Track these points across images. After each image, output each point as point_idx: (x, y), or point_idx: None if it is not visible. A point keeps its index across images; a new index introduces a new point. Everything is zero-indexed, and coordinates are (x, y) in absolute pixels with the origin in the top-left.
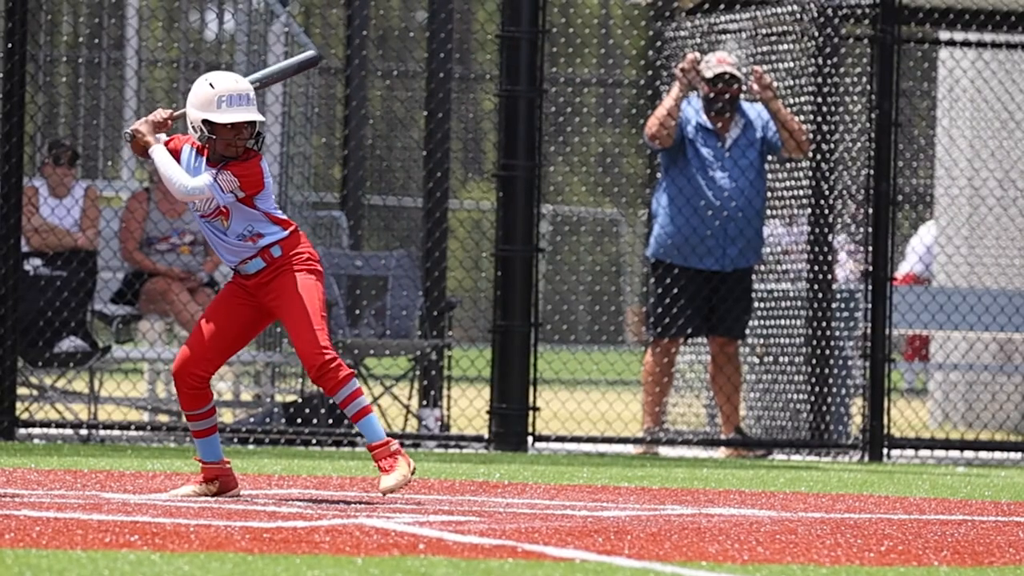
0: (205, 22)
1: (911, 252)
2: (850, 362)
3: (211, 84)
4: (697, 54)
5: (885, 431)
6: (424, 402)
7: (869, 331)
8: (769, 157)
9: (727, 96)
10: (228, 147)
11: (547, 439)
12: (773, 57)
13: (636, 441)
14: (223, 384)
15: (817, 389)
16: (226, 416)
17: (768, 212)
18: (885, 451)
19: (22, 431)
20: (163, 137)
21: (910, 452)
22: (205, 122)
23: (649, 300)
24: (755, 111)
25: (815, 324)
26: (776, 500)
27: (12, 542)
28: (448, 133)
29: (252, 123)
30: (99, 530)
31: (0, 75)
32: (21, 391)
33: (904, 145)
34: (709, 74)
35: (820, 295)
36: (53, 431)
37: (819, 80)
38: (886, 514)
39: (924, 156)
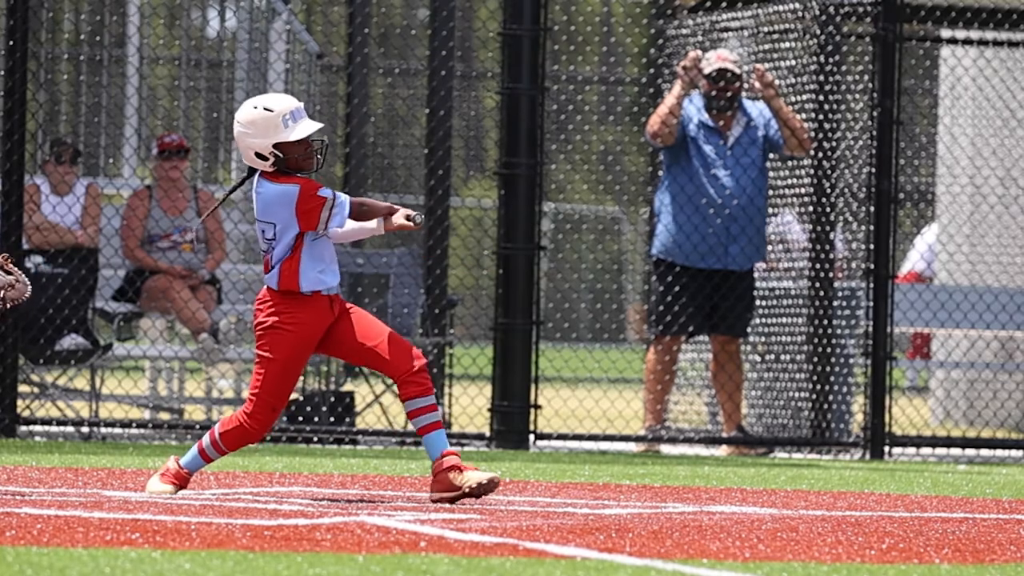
0: (207, 19)
1: (914, 250)
2: (851, 360)
3: (266, 108)
4: (699, 52)
5: (886, 429)
6: None
7: (871, 329)
8: (771, 155)
9: (728, 93)
10: (306, 160)
11: (548, 437)
12: (775, 55)
13: (637, 439)
14: (224, 382)
15: (818, 387)
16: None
17: (780, 202)
18: (886, 449)
19: (23, 428)
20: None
21: (911, 450)
22: (276, 146)
23: (651, 298)
24: (757, 109)
25: (817, 322)
26: (777, 498)
27: (13, 540)
28: (450, 131)
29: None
30: (100, 528)
31: (1, 72)
32: (22, 388)
33: (906, 143)
34: (709, 71)
35: (822, 293)
36: (54, 428)
37: (821, 78)
38: (887, 512)
39: (926, 154)
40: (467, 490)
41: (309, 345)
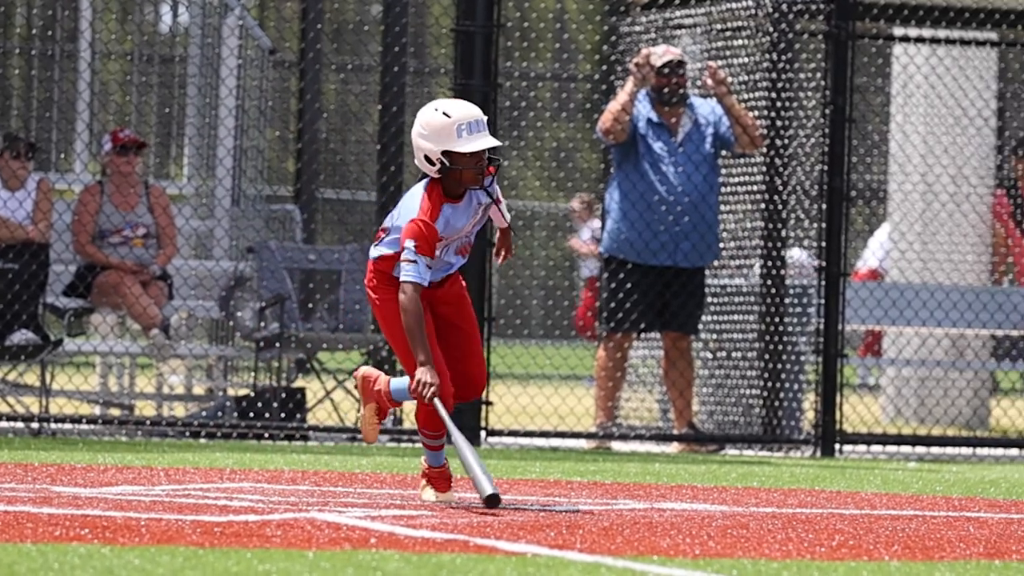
0: (159, 15)
1: (872, 248)
2: (803, 357)
3: (446, 113)
4: (651, 49)
5: (837, 426)
6: None
7: (822, 326)
8: (723, 152)
9: (678, 87)
10: (472, 177)
11: (500, 433)
12: (727, 52)
13: (589, 436)
14: (175, 378)
15: (769, 384)
16: (178, 410)
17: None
18: (837, 446)
19: None
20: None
21: (862, 447)
22: (445, 154)
23: (602, 295)
24: (708, 106)
25: (768, 319)
26: (728, 495)
27: None
28: (402, 127)
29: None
30: (49, 524)
31: None
32: None
33: (858, 141)
34: (657, 63)
35: (773, 290)
36: (4, 424)
37: (773, 75)
38: (837, 509)
39: (878, 152)
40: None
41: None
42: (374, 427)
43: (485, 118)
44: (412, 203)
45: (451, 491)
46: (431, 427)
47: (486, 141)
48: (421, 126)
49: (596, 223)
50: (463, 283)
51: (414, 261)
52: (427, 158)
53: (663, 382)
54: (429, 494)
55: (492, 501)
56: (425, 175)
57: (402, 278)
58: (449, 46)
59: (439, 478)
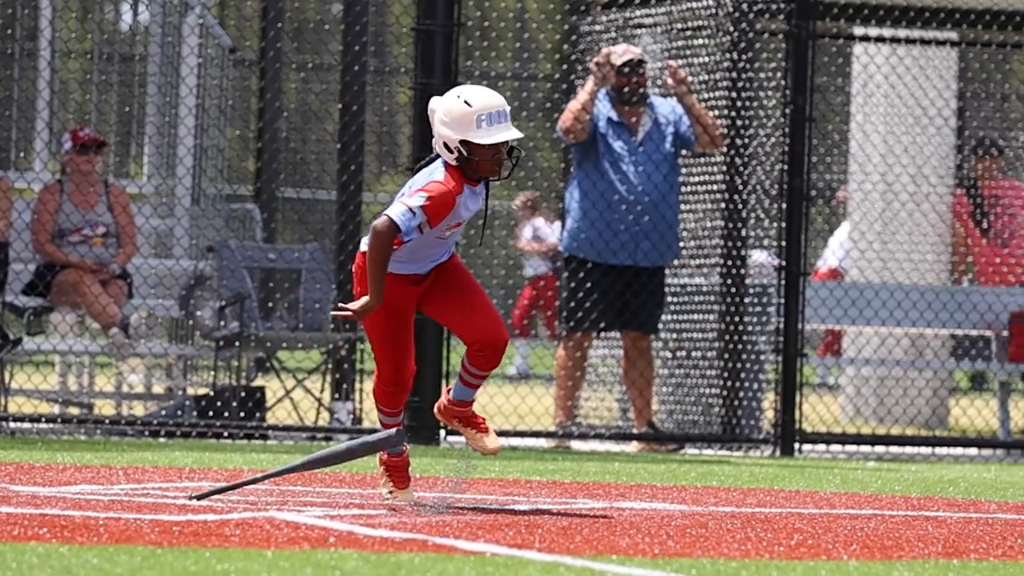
0: (119, 13)
1: (832, 247)
2: (762, 357)
3: (467, 102)
4: (612, 48)
5: (797, 426)
6: (336, 395)
7: (782, 326)
8: (683, 152)
9: (637, 84)
10: (490, 168)
11: (459, 433)
12: (688, 52)
13: (548, 435)
14: (134, 377)
15: (729, 384)
16: (137, 409)
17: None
18: (796, 446)
19: None
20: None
21: (821, 447)
22: (463, 143)
23: (562, 295)
24: (669, 106)
25: (728, 319)
26: (687, 494)
27: None
28: (363, 126)
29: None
30: (7, 523)
31: None
32: None
33: (818, 140)
34: (618, 62)
35: (733, 290)
36: None
37: (734, 75)
38: (796, 508)
39: (838, 152)
40: (467, 443)
41: (394, 316)
42: (482, 440)
43: (508, 109)
44: (433, 176)
45: (410, 489)
46: (389, 404)
47: (506, 133)
48: (443, 113)
49: (539, 221)
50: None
51: (412, 212)
52: (446, 145)
53: (623, 381)
54: (389, 489)
55: (400, 436)
56: (437, 156)
57: (388, 211)
58: (410, 45)
59: (397, 469)
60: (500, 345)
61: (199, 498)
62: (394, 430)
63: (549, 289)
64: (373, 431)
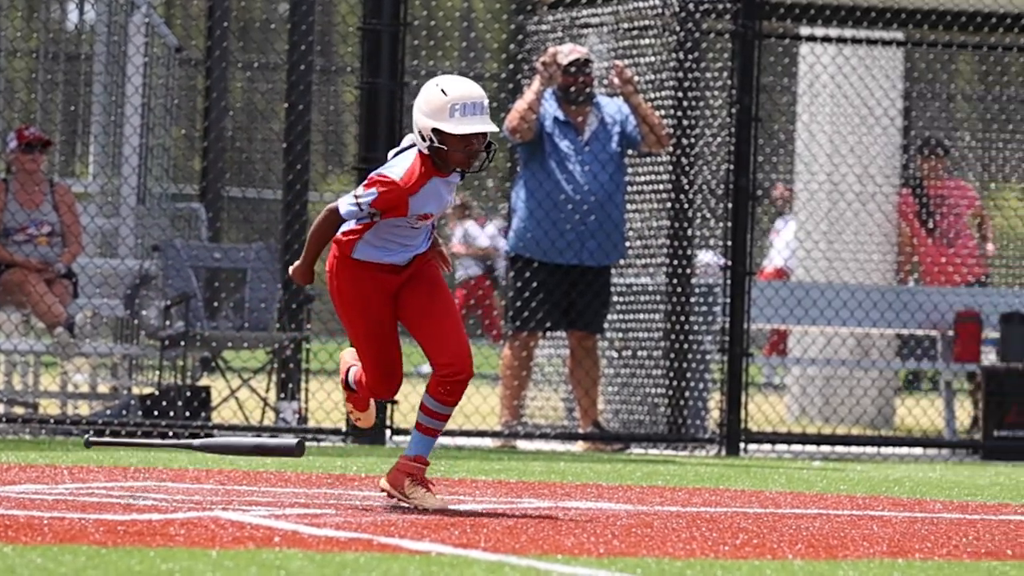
0: (65, 12)
1: (778, 247)
2: (708, 356)
3: (443, 90)
4: (558, 48)
5: (742, 425)
6: (282, 395)
7: (727, 325)
8: (629, 151)
9: (583, 84)
10: (461, 160)
11: (405, 432)
12: (634, 52)
13: (494, 435)
14: (79, 376)
15: (675, 383)
16: (82, 408)
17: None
18: (742, 445)
19: None
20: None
21: (767, 446)
22: (435, 131)
23: (508, 294)
24: (615, 105)
25: (674, 318)
26: (632, 494)
27: None
28: (309, 125)
29: (484, 134)
30: None
31: None
32: None
33: (764, 140)
34: (564, 62)
35: (679, 289)
36: None
37: (680, 75)
38: (742, 508)
39: (784, 151)
40: (410, 504)
41: (369, 309)
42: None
43: (485, 101)
44: (397, 165)
45: (370, 411)
46: (359, 407)
47: (478, 125)
48: (421, 100)
49: (469, 224)
50: (433, 266)
51: (360, 208)
52: (421, 133)
53: (568, 381)
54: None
55: (300, 447)
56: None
57: (340, 200)
58: (356, 44)
59: (361, 402)
60: (464, 377)
61: (91, 444)
62: (296, 440)
63: (481, 290)
64: (319, 431)
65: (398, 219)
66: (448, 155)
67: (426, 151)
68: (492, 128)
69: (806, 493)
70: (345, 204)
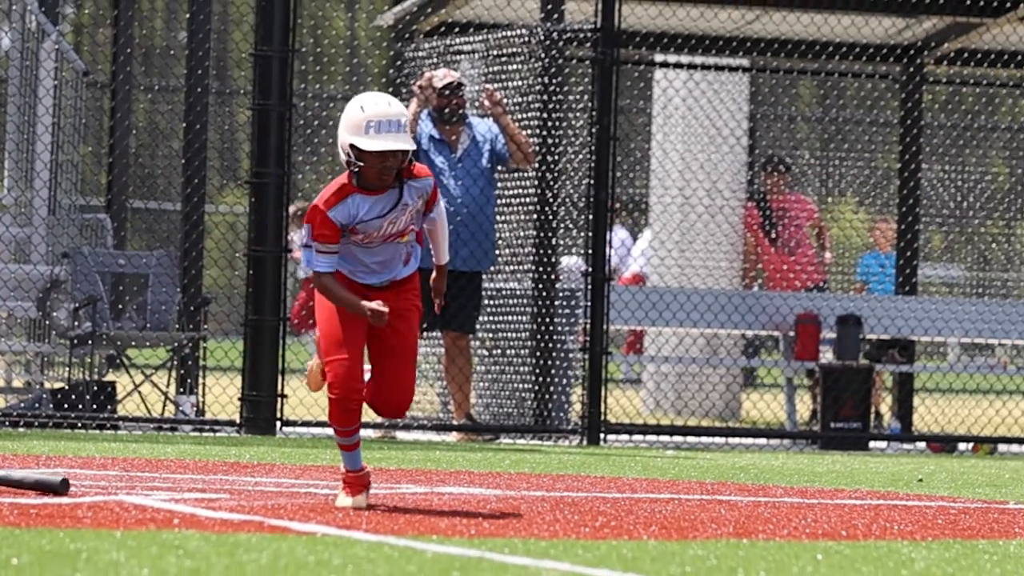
0: None
1: (637, 254)
2: (571, 354)
3: (362, 107)
4: (433, 72)
5: (602, 417)
6: (181, 389)
7: (589, 326)
8: (499, 168)
9: (456, 105)
10: (377, 176)
11: (294, 424)
12: (503, 76)
13: (375, 426)
14: None
15: (541, 379)
16: None
17: (507, 211)
18: (602, 436)
19: None
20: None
21: (625, 437)
22: (352, 147)
23: None
24: (485, 125)
25: (540, 320)
26: (502, 480)
27: None
28: (205, 143)
29: (400, 151)
30: None
31: None
32: None
33: (622, 158)
34: (439, 85)
35: (544, 293)
36: None
37: (545, 97)
38: (601, 493)
39: (640, 168)
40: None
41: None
42: (318, 381)
43: (403, 119)
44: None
45: (364, 494)
46: (343, 423)
47: (391, 143)
48: (344, 115)
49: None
50: (413, 299)
51: (308, 246)
52: (342, 148)
53: (443, 377)
54: (343, 500)
55: (64, 485)
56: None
57: (310, 268)
58: (248, 69)
59: (356, 483)
60: (387, 416)
61: None
62: (61, 478)
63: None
64: (215, 423)
65: (353, 238)
66: (364, 171)
67: (347, 166)
68: (405, 146)
69: (660, 479)
70: (304, 257)
